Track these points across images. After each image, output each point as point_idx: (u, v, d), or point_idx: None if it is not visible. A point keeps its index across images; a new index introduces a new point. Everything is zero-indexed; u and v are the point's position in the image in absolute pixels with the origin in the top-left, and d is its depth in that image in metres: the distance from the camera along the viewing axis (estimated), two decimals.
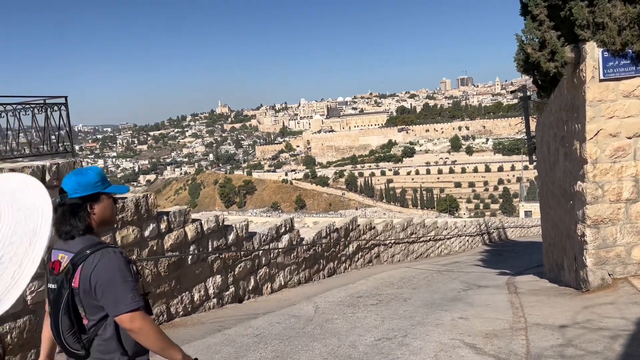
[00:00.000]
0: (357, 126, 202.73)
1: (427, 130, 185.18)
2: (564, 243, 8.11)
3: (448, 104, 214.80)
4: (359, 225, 13.25)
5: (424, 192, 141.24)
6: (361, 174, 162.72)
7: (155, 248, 5.86)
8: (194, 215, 7.01)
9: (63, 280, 2.16)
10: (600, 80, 6.14)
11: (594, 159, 6.27)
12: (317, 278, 10.54)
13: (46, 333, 2.38)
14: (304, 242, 10.00)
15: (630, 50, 5.98)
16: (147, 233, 5.74)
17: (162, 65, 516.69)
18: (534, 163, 12.05)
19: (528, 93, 12.16)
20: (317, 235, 10.69)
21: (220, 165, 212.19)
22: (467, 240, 21.92)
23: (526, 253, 18.37)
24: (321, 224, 11.62)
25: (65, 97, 6.63)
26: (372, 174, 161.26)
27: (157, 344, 2.15)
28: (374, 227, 14.25)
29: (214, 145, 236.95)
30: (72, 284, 2.14)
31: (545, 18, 6.51)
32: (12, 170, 4.29)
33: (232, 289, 7.44)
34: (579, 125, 6.51)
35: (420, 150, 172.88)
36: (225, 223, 7.46)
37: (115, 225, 5.11)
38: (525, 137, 12.71)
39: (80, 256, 2.15)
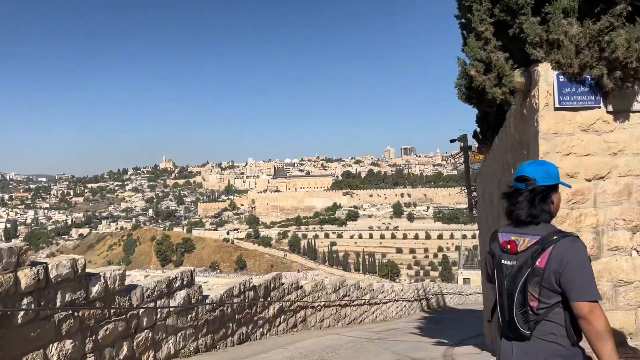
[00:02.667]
0: (303, 188, 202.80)
1: (370, 195, 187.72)
2: None
3: (392, 171, 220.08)
4: (283, 284, 11.62)
5: (367, 257, 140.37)
6: (305, 236, 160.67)
7: None
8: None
9: (527, 259, 2.27)
10: (556, 109, 5.13)
11: None
12: (222, 345, 8.74)
13: None
14: (207, 301, 8.28)
15: (588, 76, 5.04)
16: None
17: (105, 117, 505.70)
18: (475, 219, 11.03)
19: (469, 143, 11.44)
20: (227, 294, 8.99)
21: (160, 221, 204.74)
22: (405, 306, 20.54)
23: (466, 321, 17.16)
24: (234, 280, 9.94)
25: None
26: (316, 236, 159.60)
27: (604, 343, 2.14)
28: (301, 287, 12.64)
29: (155, 200, 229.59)
30: (536, 264, 2.24)
31: (492, 37, 5.54)
32: None
33: (91, 359, 5.61)
34: None
35: (364, 215, 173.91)
36: (89, 270, 5.73)
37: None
38: (467, 194, 11.83)
39: (549, 240, 2.25)
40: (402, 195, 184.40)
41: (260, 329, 10.44)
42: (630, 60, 4.75)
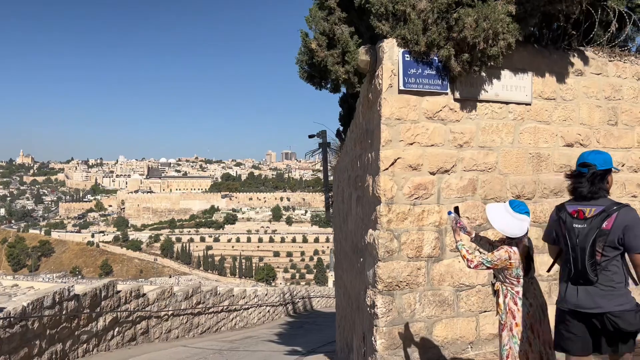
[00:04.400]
0: (179, 189, 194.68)
1: (250, 199, 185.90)
2: (353, 315, 6.25)
3: (272, 175, 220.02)
4: (119, 292, 10.16)
5: (244, 261, 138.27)
6: (179, 240, 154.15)
7: None
8: None
9: (597, 222, 2.92)
10: (400, 92, 4.56)
11: (390, 197, 4.54)
12: None
13: None
14: (1, 315, 6.68)
15: (436, 58, 4.54)
16: None
17: None
18: (332, 219, 10.52)
19: (328, 140, 10.96)
20: (34, 305, 7.42)
21: (13, 222, 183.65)
22: (269, 311, 19.75)
23: (326, 326, 16.80)
24: (47, 289, 8.33)
25: None
26: (191, 240, 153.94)
27: None
28: (144, 295, 11.23)
29: (9, 198, 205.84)
30: (603, 226, 2.91)
31: (336, 7, 4.85)
32: None
33: None
34: (372, 153, 4.82)
35: (243, 218, 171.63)
36: None
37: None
38: (325, 193, 11.33)
39: (612, 208, 2.94)
40: (281, 199, 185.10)
41: (85, 345, 8.91)
42: (477, 41, 4.32)
